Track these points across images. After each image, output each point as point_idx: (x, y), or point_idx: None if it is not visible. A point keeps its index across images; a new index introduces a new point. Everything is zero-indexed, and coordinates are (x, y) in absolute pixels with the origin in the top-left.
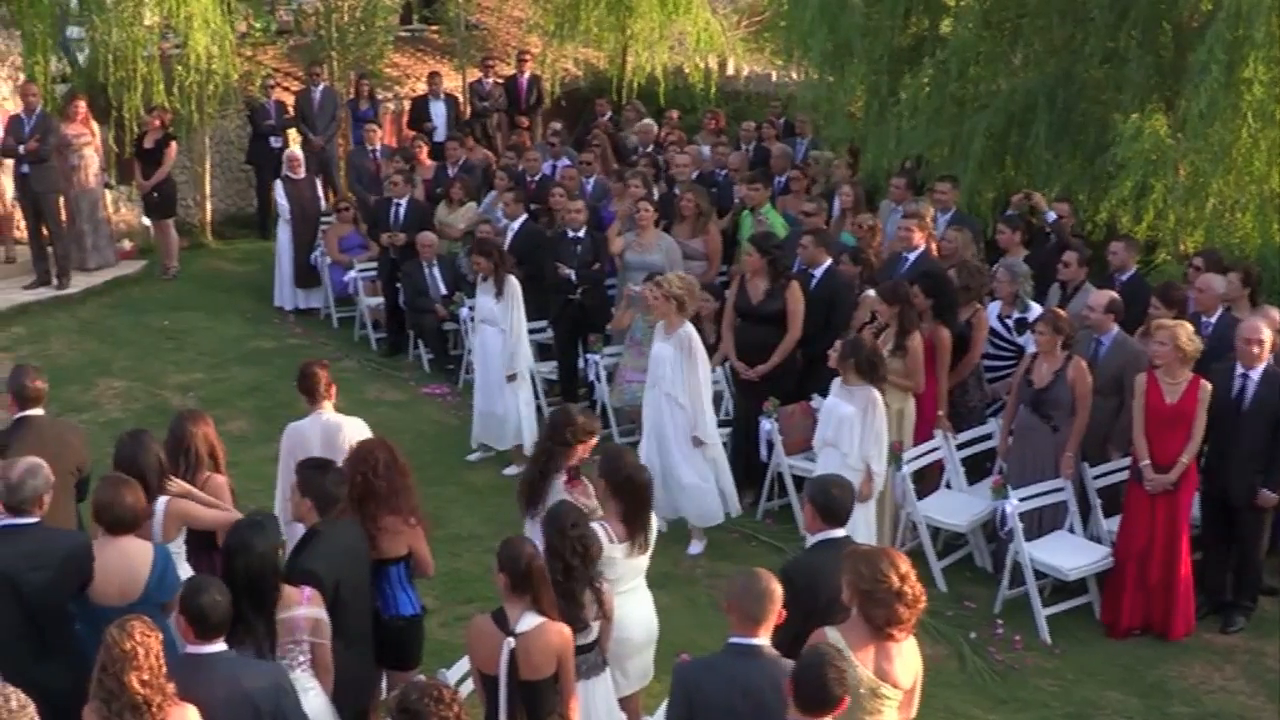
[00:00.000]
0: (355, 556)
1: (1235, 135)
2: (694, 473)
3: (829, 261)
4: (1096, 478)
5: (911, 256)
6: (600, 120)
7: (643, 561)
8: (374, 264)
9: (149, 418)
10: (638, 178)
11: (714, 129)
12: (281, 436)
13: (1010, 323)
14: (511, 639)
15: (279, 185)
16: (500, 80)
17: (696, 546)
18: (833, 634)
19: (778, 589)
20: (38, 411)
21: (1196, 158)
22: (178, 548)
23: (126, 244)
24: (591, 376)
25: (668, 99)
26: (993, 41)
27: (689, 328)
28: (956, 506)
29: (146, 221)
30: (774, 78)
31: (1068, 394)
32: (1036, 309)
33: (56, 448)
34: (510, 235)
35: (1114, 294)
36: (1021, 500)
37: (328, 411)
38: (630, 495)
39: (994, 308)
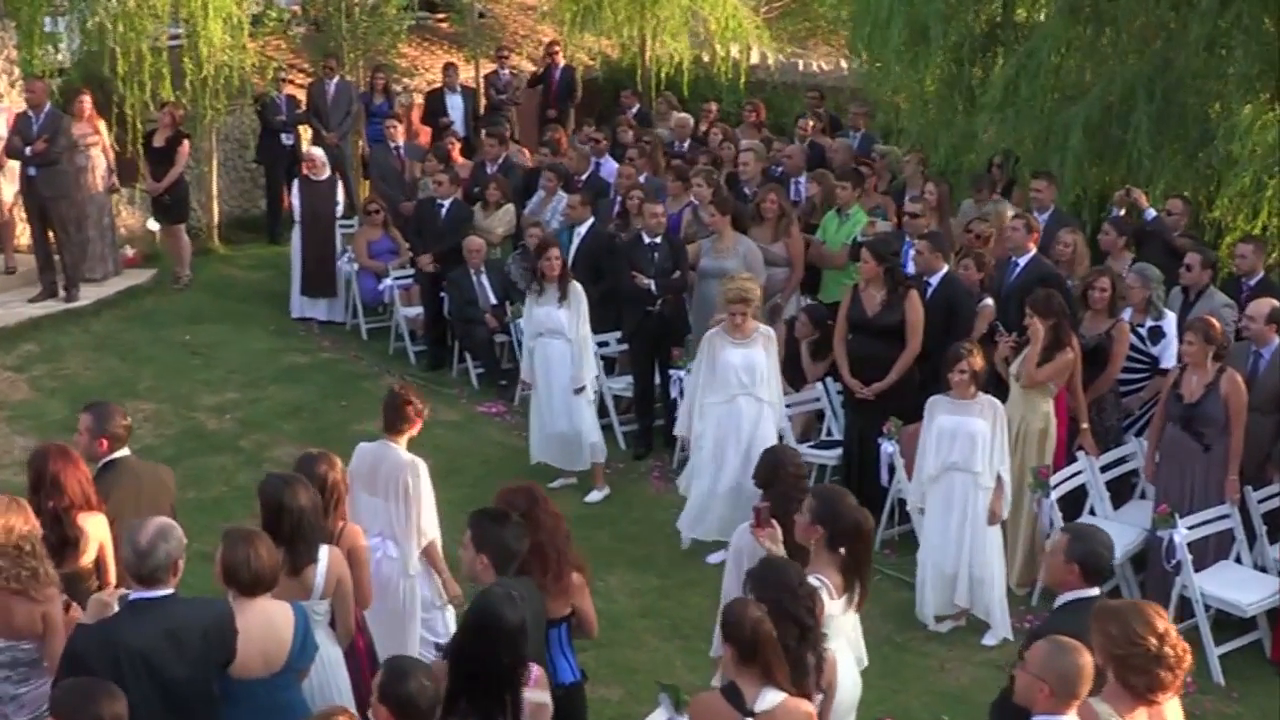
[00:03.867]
0: (536, 620)
1: None
2: None
3: (945, 268)
4: (1261, 501)
5: (1022, 262)
6: (627, 114)
7: (853, 617)
8: (411, 271)
9: (185, 443)
10: (701, 176)
11: (755, 122)
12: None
13: (1144, 332)
14: None
15: (296, 186)
16: (516, 71)
17: None
18: (1100, 707)
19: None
20: (125, 452)
21: None
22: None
23: (129, 251)
24: (675, 393)
25: (690, 90)
26: (1078, 28)
27: (763, 325)
28: None
29: (153, 226)
30: (800, 67)
31: (1221, 410)
32: (1171, 317)
33: (153, 489)
34: (576, 241)
35: (1275, 302)
36: (1190, 529)
37: (398, 445)
38: (856, 544)
39: (1123, 316)
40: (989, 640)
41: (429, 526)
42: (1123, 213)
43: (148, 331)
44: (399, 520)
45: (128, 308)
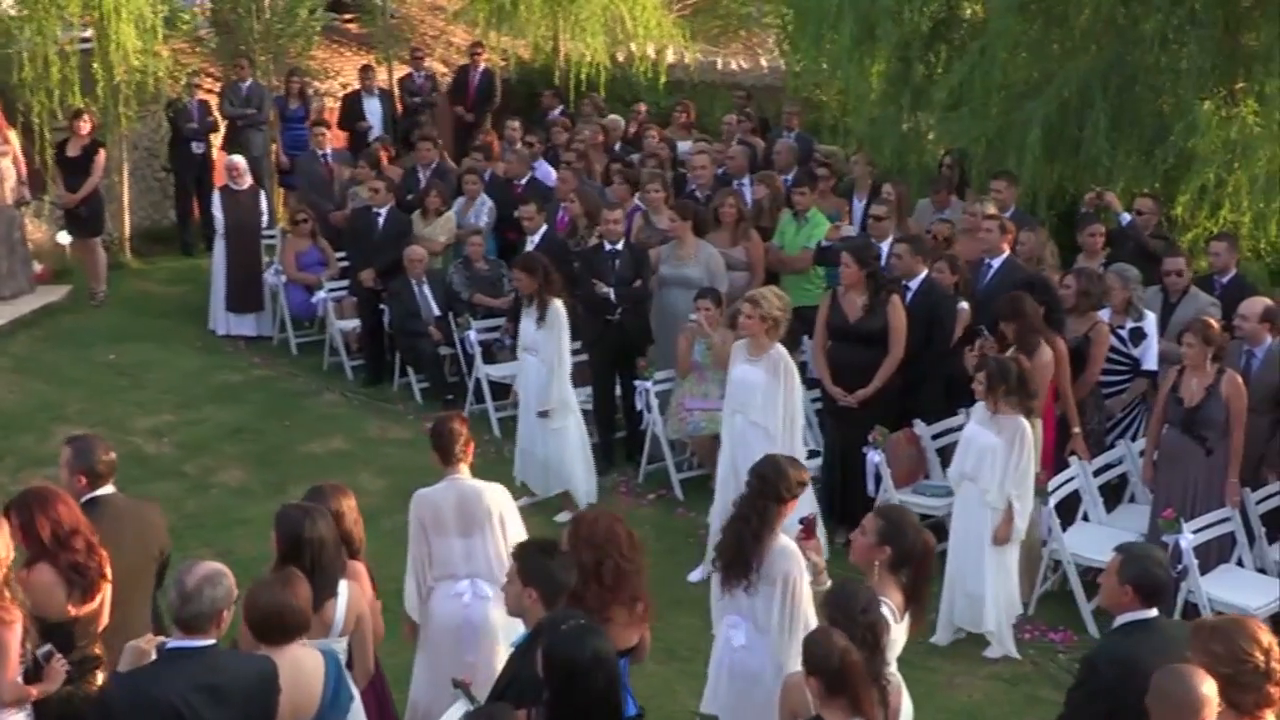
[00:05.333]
0: None
1: None
2: None
3: (925, 271)
4: (1259, 502)
5: (996, 263)
6: (553, 116)
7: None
8: (346, 282)
9: (126, 470)
10: (656, 181)
11: (685, 123)
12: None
13: (1124, 333)
14: None
15: (216, 196)
16: (431, 74)
17: None
18: None
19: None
20: (109, 489)
21: (1277, 146)
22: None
23: (37, 266)
24: (641, 405)
25: (607, 91)
26: (1025, 24)
27: (782, 349)
28: (1105, 541)
29: (63, 240)
30: (719, 65)
31: (1222, 412)
32: (1151, 318)
33: (137, 530)
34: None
35: (1268, 301)
36: (1194, 533)
37: (464, 475)
38: (920, 564)
39: (1102, 316)
40: (991, 653)
41: None
42: (1090, 212)
43: (70, 352)
44: (494, 553)
45: (45, 327)
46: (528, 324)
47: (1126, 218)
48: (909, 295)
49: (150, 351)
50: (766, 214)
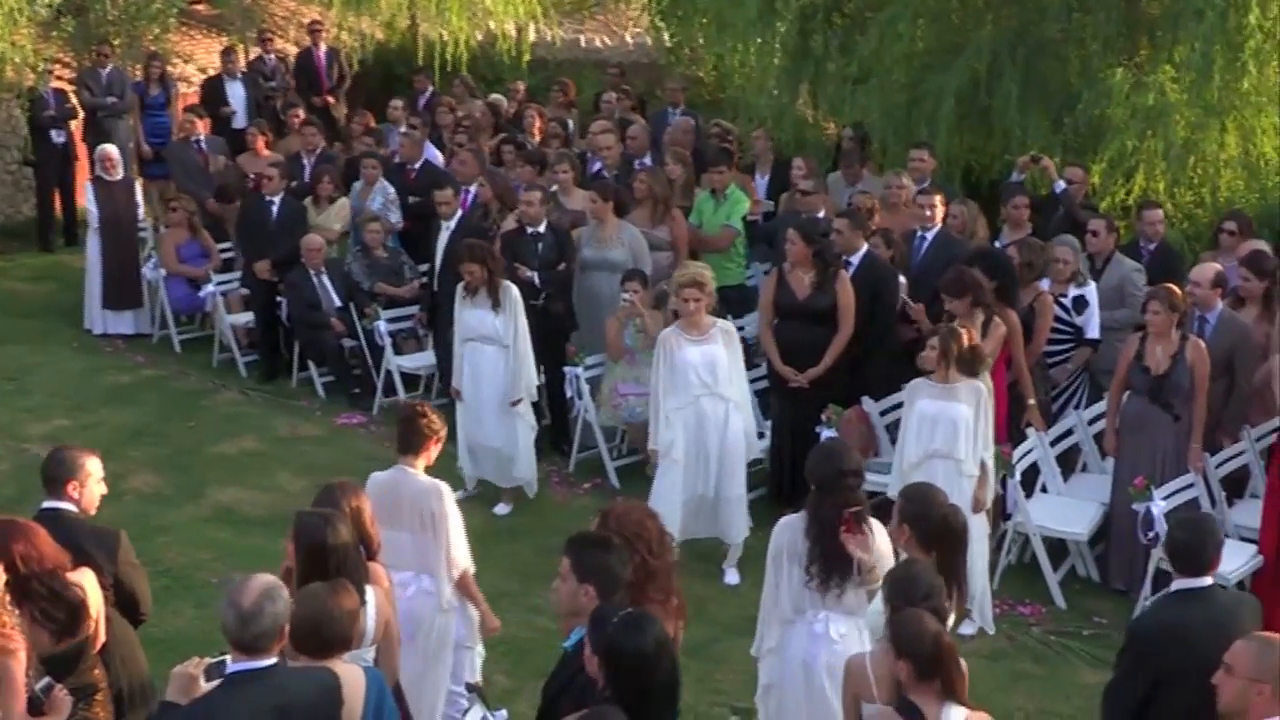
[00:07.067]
0: None
1: (1235, 87)
2: (742, 484)
3: (865, 246)
4: (1217, 466)
5: (930, 235)
6: (425, 97)
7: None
8: (236, 275)
9: (27, 480)
10: (565, 161)
11: (564, 101)
12: None
13: (1067, 302)
14: None
15: (89, 188)
16: (283, 56)
17: (734, 575)
18: None
19: None
20: (67, 505)
21: (1189, 112)
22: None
23: None
24: (571, 392)
25: (469, 70)
26: None
27: (721, 320)
28: (1069, 513)
29: None
30: (583, 43)
31: (1188, 378)
32: (1093, 286)
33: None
34: (445, 237)
35: (1218, 266)
36: (1164, 499)
37: (415, 470)
38: (947, 544)
39: (1042, 286)
40: (966, 630)
41: (460, 556)
42: (1022, 178)
43: None
44: (431, 552)
45: None
46: (478, 314)
47: (1061, 185)
48: (851, 270)
49: (26, 354)
50: (680, 193)
